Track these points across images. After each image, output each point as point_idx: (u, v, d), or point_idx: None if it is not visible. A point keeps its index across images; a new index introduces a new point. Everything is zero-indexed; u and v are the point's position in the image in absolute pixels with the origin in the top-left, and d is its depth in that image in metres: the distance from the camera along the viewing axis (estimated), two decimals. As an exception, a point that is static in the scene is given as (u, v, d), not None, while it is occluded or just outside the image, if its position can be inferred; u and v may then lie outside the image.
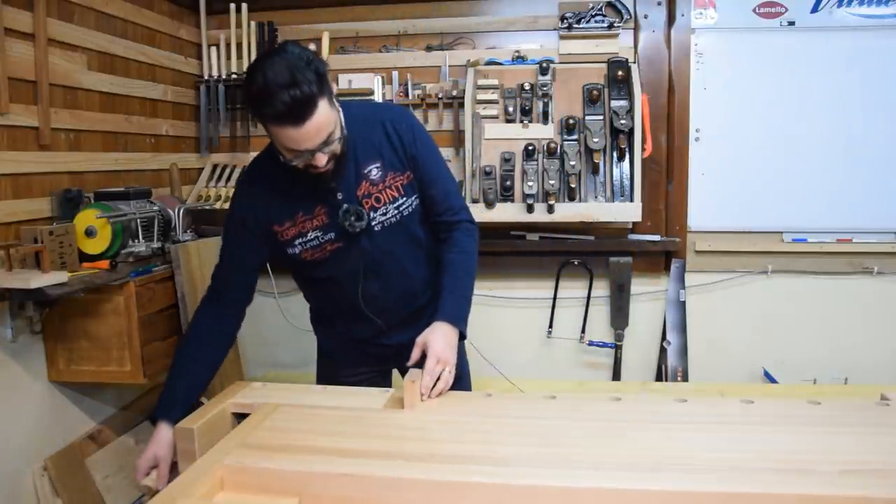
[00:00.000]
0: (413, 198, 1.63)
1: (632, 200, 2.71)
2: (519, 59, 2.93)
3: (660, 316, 3.02)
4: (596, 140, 2.72)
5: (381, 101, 2.98)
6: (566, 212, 2.72)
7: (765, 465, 1.09)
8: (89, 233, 2.11)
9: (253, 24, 2.98)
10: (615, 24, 2.88)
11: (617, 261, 2.96)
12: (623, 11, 2.88)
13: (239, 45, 2.99)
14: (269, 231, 1.59)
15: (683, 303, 2.98)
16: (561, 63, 2.87)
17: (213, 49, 3.00)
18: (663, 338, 3.00)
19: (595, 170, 2.76)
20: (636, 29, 2.92)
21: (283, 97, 1.30)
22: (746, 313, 3.01)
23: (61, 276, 1.87)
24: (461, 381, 1.68)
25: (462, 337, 1.60)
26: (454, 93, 2.93)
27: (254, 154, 3.04)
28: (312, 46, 2.95)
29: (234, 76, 3.01)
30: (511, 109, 2.80)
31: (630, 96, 2.73)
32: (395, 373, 1.91)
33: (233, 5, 2.96)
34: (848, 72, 2.82)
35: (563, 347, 3.07)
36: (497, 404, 1.49)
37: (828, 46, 2.82)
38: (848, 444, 1.19)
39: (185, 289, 2.30)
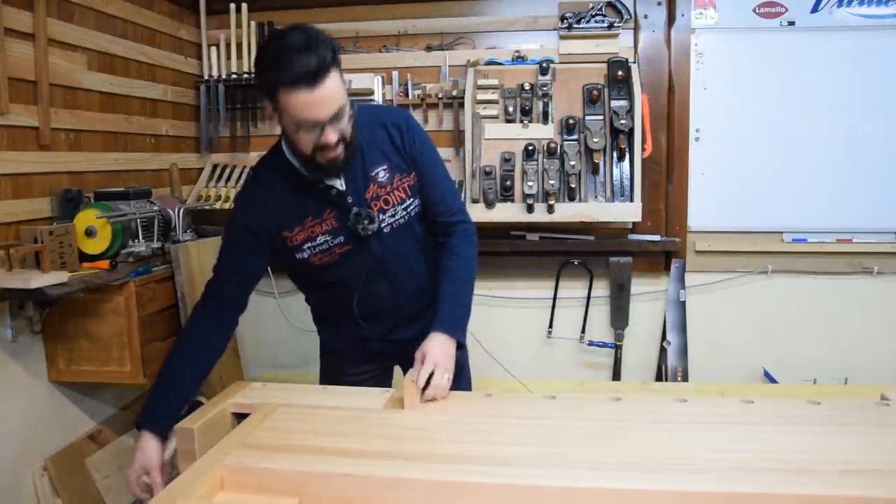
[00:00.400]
0: (418, 198, 1.64)
1: (632, 200, 2.71)
2: (519, 59, 2.93)
3: (660, 316, 3.02)
4: (596, 140, 2.72)
5: (380, 101, 2.98)
6: (566, 212, 2.72)
7: (765, 465, 1.09)
8: (89, 233, 2.11)
9: (253, 24, 2.98)
10: (615, 24, 2.88)
11: (617, 261, 2.96)
12: (623, 11, 2.88)
13: (239, 45, 2.99)
14: (277, 236, 1.57)
15: (683, 303, 2.98)
16: (561, 63, 2.87)
17: (213, 49, 3.00)
18: (663, 338, 3.00)
19: (595, 170, 2.76)
20: (636, 29, 2.92)
21: (299, 59, 1.33)
22: (746, 313, 3.01)
23: (61, 276, 1.87)
24: (461, 373, 1.68)
25: (460, 346, 1.58)
26: (454, 93, 2.93)
27: (254, 154, 3.07)
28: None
29: (234, 76, 3.01)
30: (511, 109, 2.80)
31: (630, 96, 2.73)
32: (397, 370, 1.91)
33: (233, 5, 2.96)
34: (848, 72, 2.82)
35: (563, 347, 3.07)
36: (497, 404, 1.49)
37: (828, 46, 2.82)
38: (848, 444, 1.19)
39: (185, 289, 2.30)
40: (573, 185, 2.71)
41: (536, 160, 2.76)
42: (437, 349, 1.50)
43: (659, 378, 3.01)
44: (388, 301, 1.69)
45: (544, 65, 2.78)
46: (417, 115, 3.00)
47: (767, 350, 3.00)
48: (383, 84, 3.00)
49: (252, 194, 1.60)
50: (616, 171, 2.75)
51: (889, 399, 1.39)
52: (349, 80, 2.95)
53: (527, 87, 2.81)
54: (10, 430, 2.01)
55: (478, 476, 1.09)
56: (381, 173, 1.58)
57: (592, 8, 2.88)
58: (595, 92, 2.77)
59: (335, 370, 1.85)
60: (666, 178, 2.94)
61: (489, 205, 2.74)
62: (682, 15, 2.88)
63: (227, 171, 3.07)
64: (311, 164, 1.48)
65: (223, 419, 1.45)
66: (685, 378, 2.94)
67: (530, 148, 2.75)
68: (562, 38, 2.93)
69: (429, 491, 1.09)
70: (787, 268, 2.96)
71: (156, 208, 2.36)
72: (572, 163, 2.71)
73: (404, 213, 1.62)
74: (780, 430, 1.25)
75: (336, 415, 1.39)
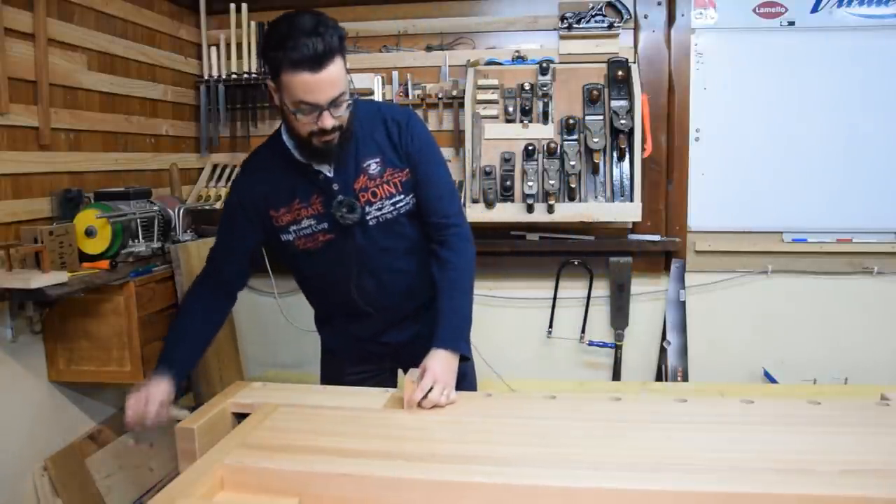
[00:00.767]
0: (411, 195, 1.63)
1: (632, 200, 2.71)
2: (519, 59, 2.93)
3: (660, 316, 3.03)
4: (596, 140, 2.72)
5: (381, 101, 2.98)
6: (566, 212, 2.72)
7: (765, 465, 1.09)
8: (89, 233, 2.11)
9: (253, 24, 2.98)
10: (615, 24, 2.88)
11: (617, 261, 2.96)
12: (623, 11, 2.88)
13: (239, 45, 2.98)
14: (265, 215, 1.61)
15: (683, 303, 2.98)
16: (561, 63, 2.87)
17: (213, 49, 3.00)
18: (663, 338, 3.00)
19: (595, 170, 2.76)
20: (636, 29, 2.92)
21: (305, 41, 1.35)
22: (746, 313, 3.00)
23: (61, 276, 1.87)
24: (463, 380, 1.68)
25: (464, 358, 1.57)
26: (454, 93, 2.93)
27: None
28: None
29: (234, 76, 3.01)
30: (511, 109, 2.80)
31: (630, 96, 2.73)
32: (401, 372, 1.91)
33: (233, 5, 2.96)
34: (848, 72, 2.82)
35: (563, 347, 3.07)
36: (497, 404, 1.49)
37: (828, 46, 2.82)
38: (848, 444, 1.19)
39: (185, 289, 2.30)
40: (573, 185, 2.71)
41: (536, 160, 2.76)
42: (438, 365, 1.48)
43: (659, 378, 3.01)
44: (375, 299, 1.69)
45: (544, 65, 2.78)
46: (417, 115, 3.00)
47: (767, 350, 3.00)
48: (383, 84, 2.99)
49: (246, 173, 1.66)
50: (616, 171, 2.75)
51: (889, 399, 1.39)
52: (349, 80, 2.95)
53: (527, 87, 2.81)
54: (10, 430, 2.01)
55: (478, 476, 1.09)
56: (373, 165, 1.58)
57: (592, 8, 2.88)
58: (595, 92, 2.77)
59: (334, 370, 1.85)
60: (666, 178, 2.94)
61: (489, 205, 2.74)
62: (682, 15, 2.88)
63: (227, 171, 3.07)
64: (306, 147, 1.51)
65: (223, 419, 1.45)
66: (685, 378, 2.94)
67: (530, 148, 2.75)
68: (562, 38, 2.93)
69: (429, 491, 1.09)
70: (787, 268, 2.96)
71: (156, 208, 2.36)
72: (572, 163, 2.71)
73: (392, 208, 1.60)
74: (780, 430, 1.25)
75: (336, 415, 1.39)
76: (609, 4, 2.88)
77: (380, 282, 1.67)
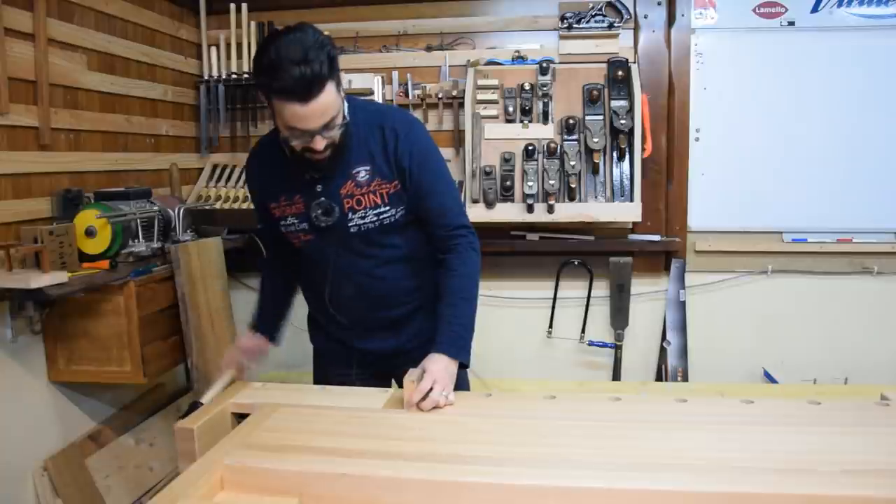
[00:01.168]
0: (399, 209, 1.59)
1: (632, 200, 2.71)
2: (519, 59, 2.93)
3: (660, 316, 3.03)
4: (596, 140, 2.72)
5: (381, 101, 2.98)
6: (566, 212, 2.72)
7: (765, 465, 1.09)
8: (89, 233, 2.11)
9: (253, 24, 2.98)
10: (615, 24, 2.88)
11: (617, 261, 2.96)
12: (623, 11, 2.88)
13: (239, 45, 2.99)
14: (266, 204, 1.66)
15: (683, 303, 2.98)
16: (561, 63, 2.87)
17: (213, 49, 3.00)
18: (663, 338, 3.00)
19: (595, 170, 2.76)
20: (636, 29, 2.92)
21: (292, 72, 1.31)
22: (746, 313, 3.01)
23: (61, 276, 1.86)
24: (459, 387, 1.68)
25: (463, 366, 1.56)
26: (454, 93, 2.93)
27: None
28: (312, 46, 2.96)
29: (233, 76, 3.01)
30: (511, 109, 2.80)
31: (630, 96, 2.73)
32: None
33: (233, 5, 2.96)
34: (848, 72, 2.82)
35: (563, 347, 3.07)
36: (497, 404, 1.49)
37: (828, 46, 2.82)
38: (848, 444, 1.19)
39: (185, 289, 2.30)
40: (573, 185, 2.71)
41: (536, 160, 2.76)
42: (437, 367, 1.47)
43: (659, 378, 3.01)
44: (346, 304, 1.68)
45: (544, 65, 2.78)
46: (417, 115, 2.98)
47: (767, 350, 3.00)
48: (383, 84, 2.99)
49: (250, 163, 1.72)
50: (616, 171, 2.75)
51: (889, 399, 1.39)
52: (349, 80, 2.96)
53: (527, 87, 2.81)
54: (10, 430, 2.01)
55: (478, 476, 1.09)
56: (362, 173, 1.56)
57: (592, 8, 2.88)
58: (595, 92, 2.77)
59: (322, 370, 1.85)
60: (666, 178, 2.94)
61: (489, 205, 2.74)
62: (682, 15, 2.88)
63: (227, 171, 3.07)
64: (298, 156, 1.51)
65: (223, 419, 1.45)
66: (685, 378, 2.94)
67: (530, 148, 2.75)
68: (562, 38, 2.93)
69: (429, 491, 1.09)
70: (787, 268, 2.96)
71: (156, 208, 2.36)
72: (572, 163, 2.71)
73: (375, 218, 1.58)
74: (780, 430, 1.25)
75: (336, 415, 1.39)
76: (609, 4, 2.89)
77: (358, 289, 1.65)
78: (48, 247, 1.88)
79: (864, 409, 1.36)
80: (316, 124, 1.39)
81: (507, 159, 2.77)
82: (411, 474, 1.10)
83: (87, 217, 2.11)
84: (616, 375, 3.01)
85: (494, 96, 2.85)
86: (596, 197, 2.76)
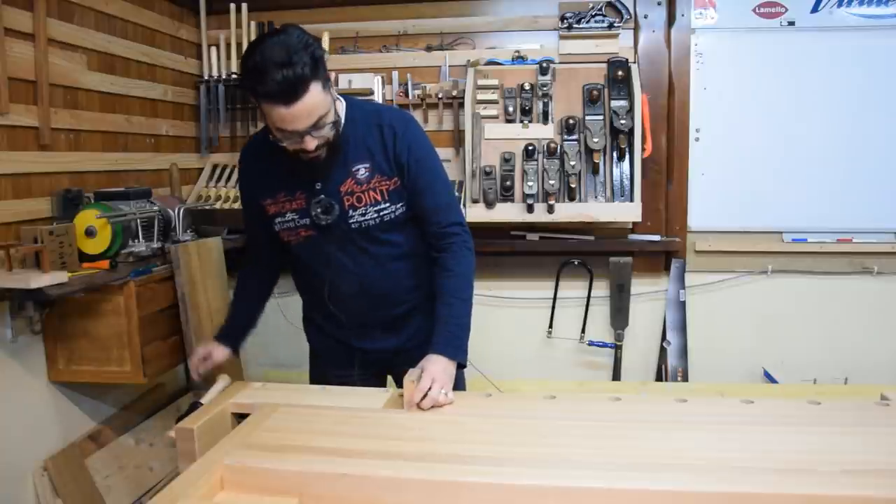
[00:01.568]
0: (399, 205, 1.60)
1: (632, 200, 2.71)
2: (519, 59, 2.93)
3: (660, 316, 3.03)
4: (596, 140, 2.72)
5: (380, 101, 2.98)
6: (566, 212, 2.72)
7: (765, 465, 1.09)
8: (89, 233, 2.10)
9: (253, 24, 2.98)
10: (615, 24, 2.88)
11: (617, 261, 2.96)
12: (623, 11, 2.88)
13: (239, 45, 2.98)
14: (259, 204, 1.65)
15: (683, 303, 2.98)
16: (561, 63, 2.87)
17: (213, 49, 3.00)
18: (663, 338, 3.00)
19: (595, 170, 2.76)
20: (636, 29, 2.92)
21: (275, 75, 1.33)
22: (746, 313, 3.01)
23: (61, 276, 1.86)
24: (456, 387, 1.68)
25: (460, 365, 1.56)
26: (454, 93, 2.93)
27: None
28: (312, 46, 2.96)
29: (234, 76, 3.01)
30: (511, 109, 2.80)
31: (630, 96, 2.73)
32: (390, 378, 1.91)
33: (233, 5, 2.96)
34: (848, 72, 2.82)
35: (563, 347, 3.07)
36: (497, 404, 1.49)
37: (828, 46, 2.82)
38: (848, 444, 1.19)
39: (185, 289, 2.30)
40: (573, 185, 2.71)
41: (536, 160, 2.76)
42: (435, 367, 1.47)
43: (659, 378, 3.01)
44: (352, 302, 1.68)
45: (544, 65, 2.78)
46: (417, 115, 3.00)
47: (767, 350, 3.00)
48: (383, 84, 2.99)
49: (242, 161, 1.72)
50: (616, 171, 2.75)
51: (889, 399, 1.39)
52: (349, 80, 2.96)
53: (527, 87, 2.81)
54: (10, 430, 2.01)
55: (477, 476, 1.09)
56: (362, 170, 1.58)
57: (592, 8, 2.88)
58: (595, 92, 2.77)
59: (319, 371, 1.85)
60: (666, 178, 2.94)
61: (489, 205, 2.74)
62: (682, 15, 2.88)
63: (227, 171, 3.07)
64: (294, 156, 1.52)
65: (223, 419, 1.45)
66: (685, 378, 2.94)
67: (530, 148, 2.75)
68: (562, 38, 2.93)
69: (429, 491, 1.09)
70: (787, 268, 2.96)
71: (156, 208, 2.36)
72: (572, 163, 2.71)
73: (376, 215, 1.59)
74: (780, 430, 1.25)
75: (336, 415, 1.39)
76: (609, 4, 2.89)
77: (358, 286, 1.66)
78: (48, 247, 1.88)
79: (864, 409, 1.36)
80: (303, 125, 1.40)
81: (507, 159, 2.77)
82: (411, 474, 1.10)
83: (87, 217, 2.11)
84: (616, 375, 3.01)
85: (494, 96, 2.85)
86: (596, 197, 2.76)
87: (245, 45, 2.97)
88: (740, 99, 2.89)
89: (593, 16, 2.88)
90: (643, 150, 2.73)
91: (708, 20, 2.89)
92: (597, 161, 2.74)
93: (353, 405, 1.45)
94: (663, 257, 3.00)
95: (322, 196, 1.57)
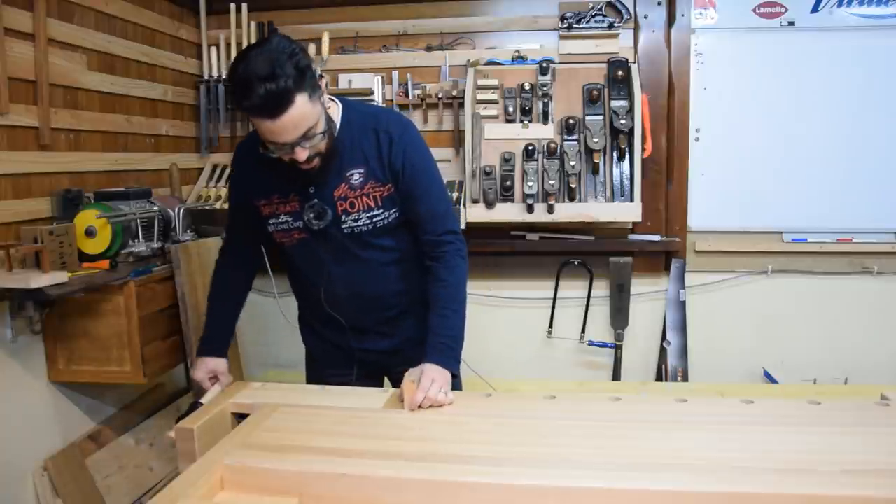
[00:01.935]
0: (392, 211, 1.60)
1: (632, 200, 2.71)
2: (519, 59, 2.93)
3: (660, 316, 3.02)
4: (596, 140, 2.72)
5: (380, 101, 2.98)
6: (566, 212, 2.72)
7: (765, 465, 1.09)
8: (89, 233, 2.11)
9: (253, 24, 2.98)
10: (615, 24, 2.88)
11: (617, 261, 2.96)
12: (623, 11, 2.88)
13: (239, 45, 2.98)
14: (252, 204, 1.66)
15: (683, 303, 2.98)
16: (561, 63, 2.87)
17: (213, 49, 3.00)
18: (663, 338, 3.00)
19: (595, 170, 2.76)
20: (636, 29, 2.92)
21: (259, 90, 1.32)
22: (746, 313, 3.00)
23: (61, 276, 1.86)
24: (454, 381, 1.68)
25: (453, 375, 1.56)
26: (454, 93, 2.93)
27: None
28: (312, 46, 2.96)
29: (234, 76, 3.00)
30: (511, 109, 2.80)
31: (630, 96, 2.73)
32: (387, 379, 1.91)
33: (233, 5, 2.96)
34: (848, 72, 2.82)
35: (563, 347, 3.07)
36: (497, 404, 1.49)
37: (828, 46, 2.82)
38: (848, 444, 1.19)
39: (185, 289, 2.30)
40: (573, 185, 2.71)
41: (536, 160, 2.76)
42: (432, 370, 1.48)
43: (659, 378, 3.01)
44: (342, 304, 1.68)
45: (544, 65, 2.78)
46: (417, 115, 3.00)
47: (767, 350, 3.00)
48: (383, 84, 2.99)
49: (237, 159, 1.73)
50: (616, 171, 2.75)
51: (889, 399, 1.39)
52: (349, 80, 2.96)
53: (527, 87, 2.81)
54: (10, 430, 2.01)
55: (477, 476, 1.09)
56: (356, 175, 1.57)
57: (592, 8, 2.88)
58: (595, 92, 2.77)
59: (315, 372, 1.86)
60: (666, 178, 2.94)
61: (489, 205, 2.74)
62: (682, 15, 2.88)
63: (227, 171, 3.07)
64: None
65: (223, 419, 1.45)
66: (685, 378, 2.94)
67: (530, 148, 2.75)
68: (562, 38, 2.93)
69: (429, 491, 1.09)
70: (787, 268, 2.96)
71: (156, 208, 2.36)
72: (572, 163, 2.71)
73: (368, 220, 1.59)
74: (780, 430, 1.25)
75: (336, 415, 1.39)
76: (609, 4, 2.89)
77: (350, 289, 1.66)
78: (48, 247, 1.88)
79: (864, 409, 1.36)
80: (291, 137, 1.40)
81: (507, 159, 2.77)
82: (411, 474, 1.10)
83: (87, 217, 2.11)
84: (616, 375, 3.01)
85: (494, 96, 2.84)
86: (596, 197, 2.76)
87: (245, 45, 2.97)
88: (740, 99, 2.89)
89: (593, 16, 2.88)
90: (643, 150, 2.73)
91: (708, 20, 2.89)
92: (597, 161, 2.74)
93: (352, 405, 1.45)
94: (663, 257, 3.00)
95: (315, 200, 1.57)
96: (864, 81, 2.81)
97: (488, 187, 2.74)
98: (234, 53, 2.99)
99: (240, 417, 1.46)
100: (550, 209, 2.70)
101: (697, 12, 2.88)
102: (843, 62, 2.82)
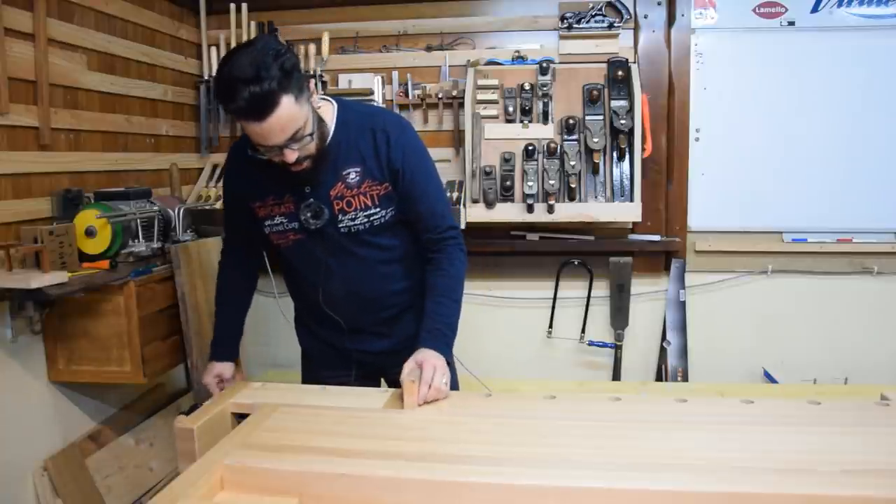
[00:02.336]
0: (389, 210, 1.60)
1: (632, 200, 2.71)
2: (519, 59, 2.93)
3: (660, 316, 3.03)
4: (596, 140, 2.72)
5: (380, 101, 2.98)
6: (566, 212, 2.72)
7: (765, 465, 1.09)
8: (89, 233, 2.11)
9: (253, 24, 2.99)
10: (615, 24, 2.88)
11: (617, 261, 2.96)
12: (623, 11, 2.88)
13: (239, 45, 2.98)
14: (247, 206, 1.66)
15: (683, 303, 2.98)
16: (561, 63, 2.87)
17: (213, 49, 3.00)
18: (663, 338, 3.00)
19: (595, 170, 2.76)
20: (636, 29, 2.92)
21: (243, 93, 1.31)
22: (746, 313, 3.01)
23: (61, 276, 1.86)
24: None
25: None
26: (454, 93, 2.93)
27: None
28: (312, 46, 2.96)
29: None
30: (511, 109, 2.80)
31: (630, 96, 2.73)
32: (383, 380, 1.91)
33: (233, 5, 2.96)
34: (848, 72, 2.82)
35: (563, 347, 3.07)
36: (497, 404, 1.49)
37: (828, 46, 2.82)
38: (848, 444, 1.19)
39: (185, 289, 2.30)
40: (573, 185, 2.71)
41: (536, 160, 2.76)
42: (430, 356, 1.48)
43: (659, 378, 3.01)
44: (340, 304, 1.68)
45: (544, 65, 2.78)
46: (417, 115, 3.00)
47: (767, 350, 3.00)
48: (383, 84, 3.00)
49: (230, 162, 1.71)
50: (616, 171, 2.75)
51: (889, 399, 1.39)
52: (349, 80, 2.96)
53: (527, 87, 2.81)
54: (10, 430, 2.01)
55: (477, 476, 1.09)
56: (353, 174, 1.56)
57: (592, 8, 2.88)
58: (595, 92, 2.77)
59: (310, 372, 1.86)
60: (666, 178, 2.94)
61: (489, 205, 2.74)
62: (682, 15, 2.88)
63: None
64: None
65: (223, 419, 1.45)
66: (685, 378, 2.94)
67: (530, 148, 2.75)
68: (562, 38, 2.93)
69: (429, 491, 1.09)
70: (787, 268, 2.96)
71: (156, 208, 2.36)
72: (572, 163, 2.71)
73: (366, 219, 1.58)
74: (780, 430, 1.25)
75: (336, 415, 1.39)
76: (609, 4, 2.89)
77: (348, 288, 1.66)
78: (48, 247, 1.88)
79: (864, 409, 1.36)
80: (278, 139, 1.39)
81: (507, 159, 2.77)
82: (411, 474, 1.10)
83: (87, 217, 2.11)
84: (616, 375, 3.01)
85: (494, 96, 2.85)
86: (596, 197, 2.76)
87: (245, 46, 2.97)
88: (740, 99, 2.89)
89: (593, 16, 2.88)
90: (643, 150, 2.73)
91: (708, 20, 2.89)
92: (597, 161, 2.74)
93: (352, 405, 1.45)
94: (663, 257, 3.00)
95: (311, 200, 1.56)
96: (864, 81, 2.81)
97: (488, 187, 2.74)
98: (234, 53, 2.99)
99: (240, 417, 1.46)
100: (550, 209, 2.70)
101: (697, 12, 2.88)
102: (844, 62, 2.82)
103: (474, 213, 2.73)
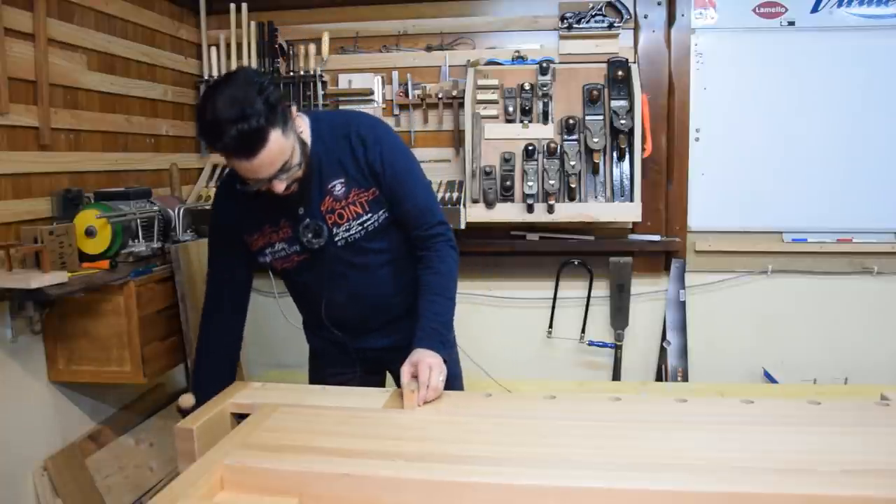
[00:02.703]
0: (380, 213, 1.60)
1: (632, 200, 2.71)
2: (519, 59, 2.93)
3: (660, 316, 3.02)
4: (596, 140, 2.72)
5: (381, 101, 2.99)
6: (566, 212, 2.72)
7: (765, 465, 1.09)
8: (89, 233, 2.11)
9: (253, 24, 2.98)
10: (615, 24, 2.88)
11: (617, 261, 2.96)
12: (623, 11, 2.88)
13: (239, 45, 2.98)
14: (241, 240, 1.64)
15: (683, 303, 2.98)
16: (561, 63, 2.87)
17: (213, 49, 3.00)
18: (663, 338, 3.00)
19: (595, 170, 2.76)
20: (636, 29, 2.92)
21: (230, 132, 1.29)
22: (746, 313, 3.01)
23: (61, 276, 1.86)
24: (455, 381, 1.68)
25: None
26: (454, 93, 2.93)
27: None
28: (312, 46, 2.96)
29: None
30: (511, 109, 2.80)
31: (630, 96, 2.73)
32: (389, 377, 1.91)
33: (233, 5, 2.96)
34: (848, 72, 2.82)
35: (563, 347, 3.07)
36: (497, 404, 1.49)
37: (828, 46, 2.82)
38: (848, 444, 1.19)
39: (185, 289, 2.30)
40: (573, 185, 2.71)
41: (536, 160, 2.76)
42: (426, 356, 1.48)
43: (659, 378, 3.01)
44: (350, 311, 1.69)
45: (544, 65, 2.78)
46: (417, 115, 3.00)
47: (767, 350, 3.00)
48: (383, 84, 3.00)
49: (220, 197, 1.68)
50: (616, 171, 2.75)
51: (889, 399, 1.39)
52: (349, 80, 2.96)
53: (527, 87, 2.81)
54: (10, 430, 2.01)
55: (477, 476, 1.09)
56: (338, 186, 1.56)
57: (592, 8, 2.88)
58: (595, 92, 2.77)
59: (317, 371, 1.86)
60: (666, 178, 2.94)
61: (489, 205, 2.74)
62: (682, 15, 2.88)
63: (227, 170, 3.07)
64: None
65: (223, 419, 1.45)
66: (685, 378, 2.94)
67: (530, 148, 2.75)
68: (562, 38, 2.93)
69: (429, 491, 1.09)
70: (787, 268, 2.96)
71: (156, 208, 2.36)
72: (572, 163, 2.71)
73: (360, 228, 1.59)
74: (780, 430, 1.25)
75: (336, 415, 1.39)
76: (609, 4, 2.89)
77: (353, 297, 1.67)
78: (48, 247, 1.88)
79: (864, 409, 1.36)
80: (267, 173, 1.39)
81: (507, 159, 2.77)
82: (411, 474, 1.10)
83: (87, 217, 2.11)
84: (616, 375, 3.01)
85: (494, 96, 2.84)
86: (596, 197, 2.76)
87: (245, 45, 2.98)
88: (740, 99, 2.89)
89: (593, 16, 2.88)
90: (643, 150, 2.73)
91: (708, 20, 2.89)
92: (597, 161, 2.74)
93: (353, 405, 1.45)
94: (663, 257, 3.00)
95: (308, 220, 1.56)
96: (864, 81, 2.81)
97: (488, 187, 2.74)
98: (234, 53, 3.00)
99: (240, 417, 1.46)
100: (550, 209, 2.70)
101: (697, 12, 2.88)
102: (844, 62, 2.82)
103: (474, 213, 2.73)
